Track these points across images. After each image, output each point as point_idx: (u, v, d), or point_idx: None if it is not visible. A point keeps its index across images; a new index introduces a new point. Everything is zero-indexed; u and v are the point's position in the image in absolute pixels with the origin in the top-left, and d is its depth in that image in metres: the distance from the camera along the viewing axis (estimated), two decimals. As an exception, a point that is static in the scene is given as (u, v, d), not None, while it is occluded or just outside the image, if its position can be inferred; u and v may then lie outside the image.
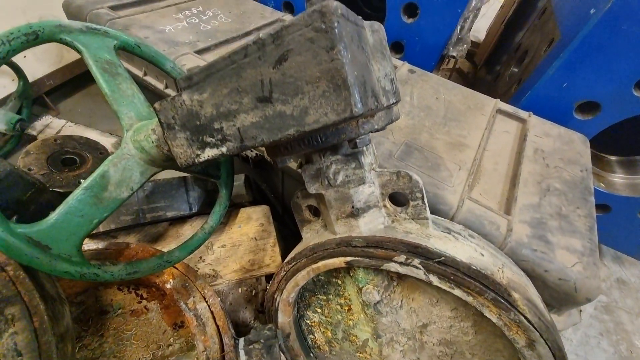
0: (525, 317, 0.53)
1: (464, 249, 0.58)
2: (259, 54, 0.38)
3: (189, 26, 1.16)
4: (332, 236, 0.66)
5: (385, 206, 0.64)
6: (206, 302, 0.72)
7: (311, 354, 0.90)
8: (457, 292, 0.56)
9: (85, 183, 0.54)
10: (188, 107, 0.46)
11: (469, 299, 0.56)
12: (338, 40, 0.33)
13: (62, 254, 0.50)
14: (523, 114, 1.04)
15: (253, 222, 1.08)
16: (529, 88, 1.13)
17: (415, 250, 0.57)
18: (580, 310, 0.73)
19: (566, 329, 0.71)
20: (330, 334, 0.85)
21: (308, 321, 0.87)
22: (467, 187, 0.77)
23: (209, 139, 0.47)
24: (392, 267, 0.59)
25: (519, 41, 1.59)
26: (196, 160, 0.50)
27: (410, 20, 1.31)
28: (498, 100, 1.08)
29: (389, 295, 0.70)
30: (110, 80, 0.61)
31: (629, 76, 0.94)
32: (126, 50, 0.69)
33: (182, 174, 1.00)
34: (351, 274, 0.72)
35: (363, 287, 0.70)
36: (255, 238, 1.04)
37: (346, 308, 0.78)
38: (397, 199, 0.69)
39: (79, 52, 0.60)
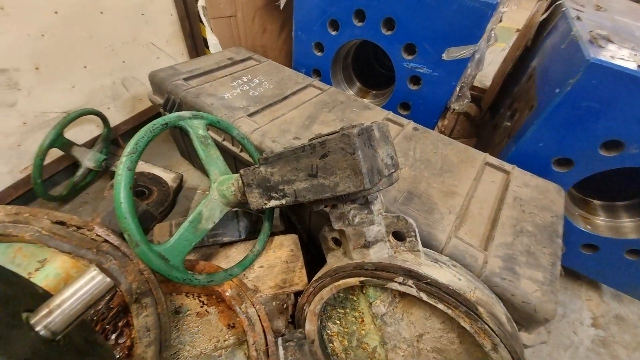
0: (488, 326, 0.74)
1: (445, 275, 0.81)
2: (311, 151, 0.67)
3: (241, 93, 1.51)
4: (350, 261, 0.90)
5: (389, 240, 0.88)
6: (254, 307, 0.96)
7: (330, 360, 1.10)
8: (440, 306, 0.78)
9: (189, 218, 0.83)
10: (263, 175, 0.75)
11: (449, 311, 0.77)
12: (357, 150, 0.61)
13: (174, 265, 0.78)
14: (508, 166, 1.27)
15: (285, 248, 1.34)
16: (514, 144, 1.37)
17: (410, 274, 0.80)
18: (549, 331, 0.91)
19: (535, 345, 0.88)
20: (346, 343, 1.05)
21: (329, 331, 1.09)
22: (454, 227, 1.00)
23: (274, 195, 0.75)
24: (394, 285, 0.82)
25: (513, 95, 1.85)
26: (263, 207, 0.78)
27: (415, 87, 1.62)
28: (487, 154, 1.32)
29: (393, 309, 0.91)
30: (204, 149, 0.93)
31: (593, 140, 1.17)
32: (212, 126, 1.01)
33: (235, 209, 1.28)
34: (364, 292, 0.95)
35: (373, 301, 0.93)
36: (286, 261, 1.29)
37: (360, 320, 1.00)
38: (398, 235, 0.93)
39: (187, 132, 0.92)
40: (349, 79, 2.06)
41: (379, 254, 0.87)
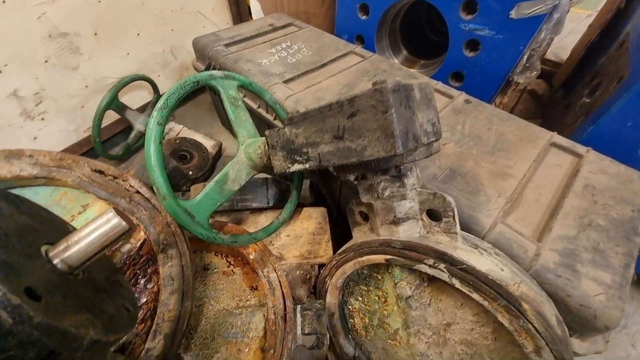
0: (533, 326, 0.63)
1: (485, 262, 0.71)
2: (338, 109, 0.60)
3: (279, 59, 1.46)
4: (377, 237, 0.84)
5: (422, 219, 0.80)
6: (276, 273, 0.96)
7: (349, 336, 1.08)
8: (475, 296, 0.69)
9: (215, 178, 0.83)
10: (287, 136, 0.70)
11: (485, 303, 0.68)
12: (390, 108, 0.53)
13: (199, 222, 0.79)
14: (581, 148, 1.06)
15: (313, 220, 1.32)
16: (593, 122, 1.13)
17: (442, 257, 0.71)
18: (607, 341, 0.76)
19: (588, 354, 0.75)
20: (367, 320, 1.02)
21: (350, 307, 1.06)
22: (502, 212, 0.87)
23: (298, 158, 0.71)
24: (422, 268, 0.75)
25: (596, 69, 1.53)
26: (287, 171, 0.74)
27: (471, 54, 1.41)
28: (555, 133, 1.12)
29: (420, 292, 0.84)
30: (234, 110, 0.91)
31: None
32: (244, 88, 0.99)
33: (265, 176, 1.28)
34: (389, 271, 0.89)
35: (398, 282, 0.86)
36: (313, 233, 1.27)
37: (383, 300, 0.94)
38: (433, 215, 0.83)
39: (218, 91, 0.91)
40: (395, 46, 1.88)
41: (409, 232, 0.79)
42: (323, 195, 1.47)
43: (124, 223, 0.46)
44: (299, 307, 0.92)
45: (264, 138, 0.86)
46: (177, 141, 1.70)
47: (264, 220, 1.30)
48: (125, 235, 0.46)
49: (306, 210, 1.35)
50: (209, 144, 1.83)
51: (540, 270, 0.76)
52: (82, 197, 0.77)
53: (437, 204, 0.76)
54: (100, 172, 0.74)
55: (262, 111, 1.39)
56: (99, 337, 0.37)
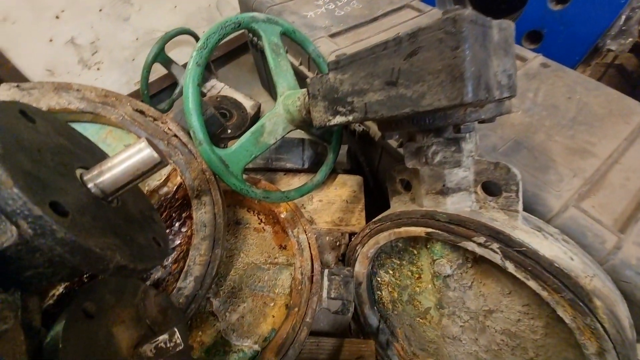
0: (603, 326, 0.53)
1: (551, 248, 0.60)
2: (395, 48, 0.50)
3: (326, 12, 1.34)
4: (418, 208, 0.76)
5: (475, 192, 0.70)
6: (306, 235, 0.93)
7: (375, 307, 1.05)
8: (532, 283, 0.60)
9: (252, 129, 0.79)
10: (331, 84, 0.63)
11: (544, 293, 0.59)
12: (463, 42, 0.42)
13: (233, 172, 0.77)
14: (693, 129, 0.85)
15: (347, 187, 1.26)
16: None
17: (497, 236, 0.62)
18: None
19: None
20: (396, 295, 0.97)
21: (379, 279, 1.01)
22: (577, 195, 0.73)
23: (340, 109, 0.63)
24: (470, 246, 0.66)
25: None
26: (327, 124, 0.67)
27: (557, 7, 1.16)
28: (658, 108, 0.90)
29: (461, 273, 0.76)
30: (275, 57, 0.84)
31: None
32: (287, 35, 0.91)
33: (302, 136, 1.23)
34: (428, 246, 0.81)
35: (437, 259, 0.79)
36: (346, 201, 1.22)
37: (416, 276, 0.88)
38: (490, 189, 0.72)
39: (259, 36, 0.84)
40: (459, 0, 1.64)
41: (458, 205, 0.70)
42: (360, 163, 1.40)
43: (155, 154, 0.43)
44: (326, 271, 0.89)
45: (304, 89, 0.79)
46: (218, 99, 1.70)
47: (297, 182, 1.27)
48: (156, 167, 0.44)
49: (341, 177, 1.29)
50: (248, 104, 1.81)
51: (619, 266, 0.63)
52: (125, 137, 0.78)
53: (498, 176, 0.65)
54: (141, 112, 0.74)
55: (303, 68, 1.30)
56: (126, 263, 0.36)
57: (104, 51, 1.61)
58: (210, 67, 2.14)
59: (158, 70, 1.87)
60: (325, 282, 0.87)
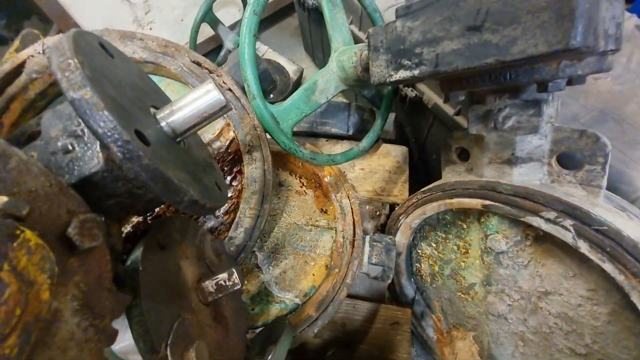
0: (695, 319, 0.47)
1: (635, 230, 0.53)
2: (485, -16, 0.44)
3: (383, -37, 1.22)
4: (477, 179, 0.70)
5: (549, 164, 0.62)
6: (349, 200, 0.92)
7: (412, 279, 1.03)
8: (608, 266, 0.54)
9: (304, 86, 0.77)
10: (397, 33, 0.57)
11: (620, 277, 0.53)
12: (582, -31, 0.35)
13: (283, 130, 0.76)
14: None
15: (391, 157, 1.21)
16: None
17: (573, 212, 0.56)
18: None
19: None
20: (436, 268, 0.95)
21: (419, 251, 0.99)
22: (675, 175, 0.63)
23: (405, 62, 0.58)
24: (536, 222, 0.61)
25: None
26: (387, 80, 0.63)
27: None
28: None
29: (517, 251, 0.71)
30: (332, 9, 0.79)
31: None
32: (344, -15, 0.84)
33: (349, 100, 1.18)
34: (481, 220, 0.77)
35: (491, 234, 0.74)
36: (389, 171, 1.18)
37: (463, 250, 0.84)
38: (565, 162, 0.64)
39: (316, -16, 0.79)
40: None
41: (526, 177, 0.63)
42: (406, 133, 1.33)
43: (221, 97, 0.43)
44: (368, 237, 0.88)
45: (361, 44, 0.74)
46: (261, 62, 1.67)
47: (339, 150, 1.25)
48: (222, 111, 0.44)
49: (385, 147, 1.24)
50: (291, 69, 1.77)
51: None
52: (182, 90, 0.80)
53: (582, 146, 0.57)
54: (198, 63, 0.74)
55: (354, 28, 1.22)
56: (198, 198, 0.37)
57: (156, 11, 1.64)
58: (253, 29, 2.10)
59: (205, 32, 1.88)
60: (367, 248, 0.86)
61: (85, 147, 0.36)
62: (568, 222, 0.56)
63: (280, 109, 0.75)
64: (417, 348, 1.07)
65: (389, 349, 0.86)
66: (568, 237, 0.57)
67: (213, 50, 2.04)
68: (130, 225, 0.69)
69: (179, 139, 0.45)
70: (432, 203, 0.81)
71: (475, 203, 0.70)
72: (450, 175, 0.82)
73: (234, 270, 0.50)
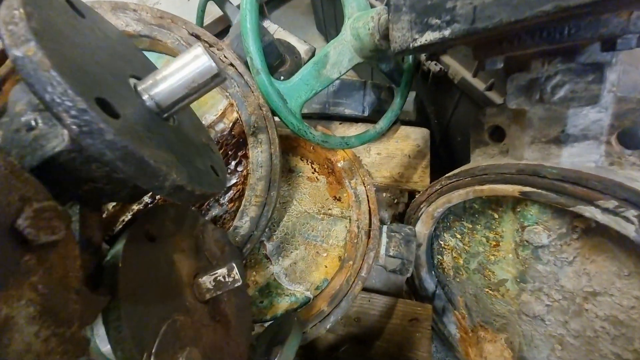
0: None
1: None
2: None
3: None
4: (515, 161, 0.61)
5: (608, 143, 0.52)
6: (365, 186, 0.85)
7: (433, 272, 0.96)
8: (683, 267, 0.44)
9: (313, 59, 0.68)
10: (424, -15, 0.47)
11: (701, 281, 0.43)
12: None
13: (292, 109, 0.69)
14: None
15: (410, 141, 1.11)
16: None
17: (638, 201, 0.46)
18: None
19: None
20: (461, 262, 0.86)
21: (442, 242, 0.91)
22: None
23: (433, 21, 0.48)
24: (589, 212, 0.51)
25: None
26: (411, 45, 0.53)
27: None
28: None
29: (561, 245, 0.62)
30: (345, -31, 0.69)
31: None
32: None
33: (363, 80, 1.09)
34: (517, 210, 0.67)
35: (529, 226, 0.65)
36: (409, 155, 1.09)
37: (493, 243, 0.75)
38: (627, 140, 0.53)
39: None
40: None
41: (578, 158, 0.53)
42: (427, 114, 1.22)
43: (212, 63, 0.36)
44: (385, 227, 0.81)
45: (378, 7, 0.64)
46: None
47: (354, 133, 1.16)
48: (214, 81, 0.37)
49: (404, 129, 1.14)
50: (302, 49, 1.66)
51: None
52: (182, 68, 0.73)
53: (655, 118, 0.46)
54: (197, 36, 0.67)
55: (370, -3, 1.11)
56: (183, 183, 0.31)
57: (161, -11, 1.57)
58: (263, 8, 2.00)
59: (212, 13, 1.80)
60: (384, 239, 0.79)
61: (50, 123, 0.31)
62: (631, 213, 0.46)
63: (287, 85, 0.67)
64: (436, 344, 1.01)
65: (407, 346, 0.80)
66: (630, 230, 0.47)
67: (222, 31, 1.96)
68: (131, 213, 0.65)
69: (165, 115, 0.38)
70: (458, 190, 0.72)
71: (512, 190, 0.61)
72: (481, 158, 0.72)
73: (234, 265, 0.44)
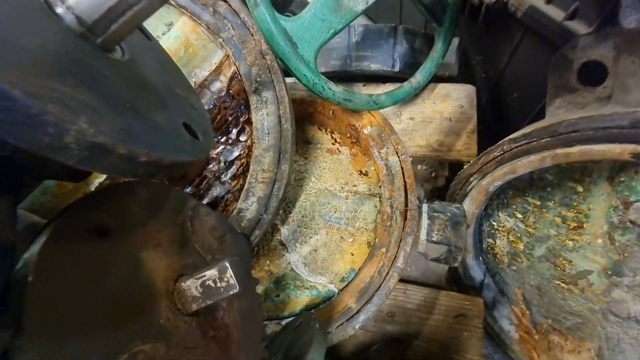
0: None
1: None
2: None
3: None
4: (625, 110, 0.42)
5: None
6: (398, 157, 0.68)
7: (480, 257, 0.80)
8: None
9: (330, -17, 0.51)
10: None
11: None
12: None
13: (304, 56, 0.53)
14: None
15: (451, 101, 0.92)
16: None
17: None
18: None
19: None
20: (521, 247, 0.69)
21: (495, 223, 0.74)
22: None
23: None
24: None
25: None
26: None
27: None
28: None
29: (691, 227, 0.43)
30: None
31: None
32: None
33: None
34: (615, 180, 0.49)
35: (637, 201, 0.46)
36: (450, 119, 0.90)
37: (572, 224, 0.58)
38: None
39: None
40: None
41: None
42: (472, 67, 1.00)
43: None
44: (426, 206, 0.65)
45: None
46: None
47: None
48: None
49: (443, 87, 0.94)
50: None
51: None
52: (166, 14, 0.59)
53: None
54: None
55: None
56: (104, 140, 0.17)
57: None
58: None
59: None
60: (425, 221, 0.64)
61: None
62: None
63: (297, 22, 0.51)
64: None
65: (452, 347, 0.67)
66: None
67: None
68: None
69: (100, 40, 0.24)
70: (529, 156, 0.54)
71: (619, 151, 0.42)
72: (564, 110, 0.53)
73: (227, 264, 0.31)
